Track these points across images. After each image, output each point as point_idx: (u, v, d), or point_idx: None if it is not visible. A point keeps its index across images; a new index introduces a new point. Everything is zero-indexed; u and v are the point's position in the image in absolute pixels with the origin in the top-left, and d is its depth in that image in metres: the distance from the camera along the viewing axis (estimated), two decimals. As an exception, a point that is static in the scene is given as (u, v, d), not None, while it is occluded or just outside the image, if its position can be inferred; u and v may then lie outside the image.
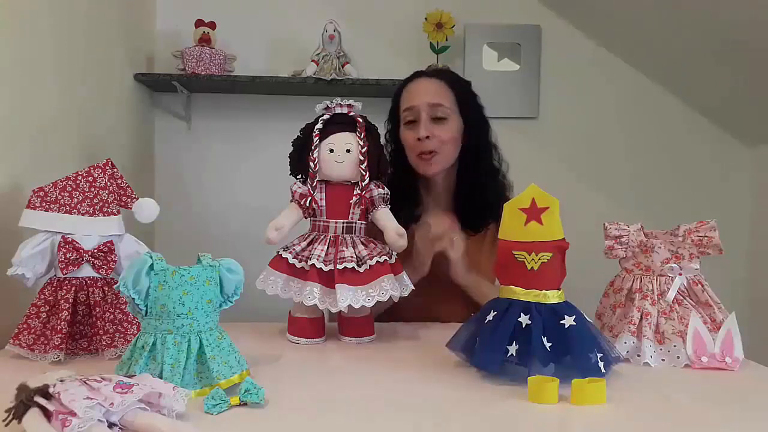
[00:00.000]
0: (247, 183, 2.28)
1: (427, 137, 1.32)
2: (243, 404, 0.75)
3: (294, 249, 1.10)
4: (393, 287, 1.07)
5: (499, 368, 0.87)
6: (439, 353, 1.00)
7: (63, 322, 0.94)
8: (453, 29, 2.16)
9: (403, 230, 1.12)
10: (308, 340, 1.12)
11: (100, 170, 1.03)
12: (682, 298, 1.04)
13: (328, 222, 1.12)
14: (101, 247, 1.00)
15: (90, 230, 1.00)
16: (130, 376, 0.69)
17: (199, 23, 2.07)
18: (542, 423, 0.73)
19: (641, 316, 1.02)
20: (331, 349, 1.10)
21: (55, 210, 0.99)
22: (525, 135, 2.30)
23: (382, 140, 1.38)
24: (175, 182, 2.28)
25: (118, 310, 0.99)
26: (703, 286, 1.05)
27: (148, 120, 2.22)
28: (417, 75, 1.42)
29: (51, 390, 0.63)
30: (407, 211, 1.33)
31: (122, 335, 0.98)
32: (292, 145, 1.16)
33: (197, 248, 0.94)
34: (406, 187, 1.39)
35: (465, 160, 1.40)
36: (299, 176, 1.15)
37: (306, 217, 1.14)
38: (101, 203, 1.02)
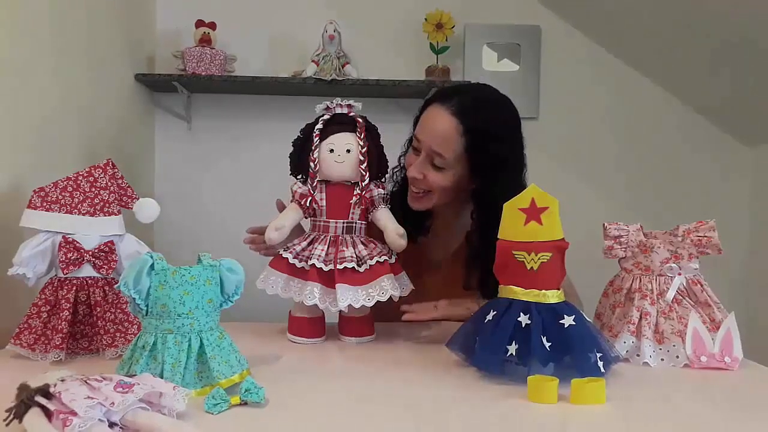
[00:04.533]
0: (247, 183, 2.28)
1: (416, 178, 1.20)
2: (243, 404, 0.75)
3: (294, 249, 1.10)
4: (393, 287, 1.07)
5: (499, 368, 0.87)
6: (439, 353, 1.00)
7: (64, 322, 0.95)
8: (453, 29, 2.16)
9: (403, 230, 1.12)
10: (308, 339, 1.12)
11: (101, 170, 1.04)
12: (681, 297, 1.04)
13: (329, 222, 1.12)
14: (102, 247, 1.00)
15: (90, 230, 1.01)
16: (130, 376, 0.69)
17: (200, 23, 2.07)
18: (542, 423, 0.73)
19: (640, 316, 1.02)
20: (331, 348, 1.10)
21: (56, 210, 0.99)
22: (525, 135, 2.30)
23: (403, 148, 1.33)
24: (175, 182, 2.28)
25: (119, 310, 1.00)
26: (702, 285, 1.05)
27: (148, 120, 2.22)
28: (443, 99, 1.20)
29: (52, 390, 0.63)
30: (417, 223, 1.25)
31: (123, 335, 0.98)
32: (292, 145, 1.16)
33: (197, 248, 0.94)
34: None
35: (477, 203, 1.22)
36: (299, 176, 1.15)
37: (306, 217, 1.14)
38: (102, 203, 1.02)
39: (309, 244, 1.11)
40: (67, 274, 0.98)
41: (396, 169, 1.34)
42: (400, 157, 1.34)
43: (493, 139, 1.16)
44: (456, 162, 1.17)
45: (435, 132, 1.17)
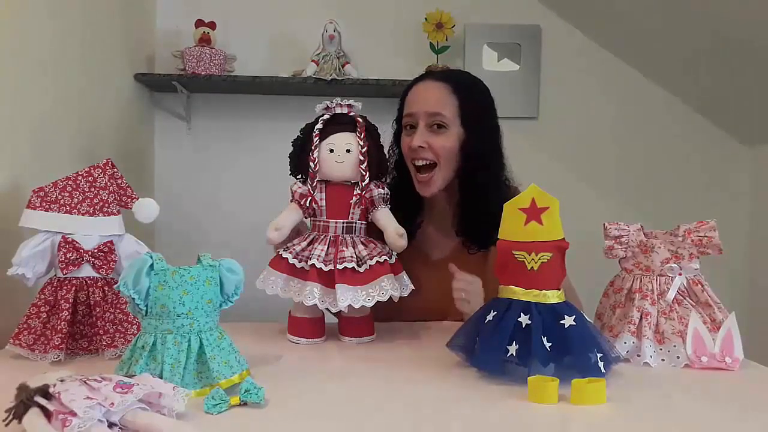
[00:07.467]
0: (247, 183, 2.28)
1: (421, 147, 1.24)
2: (243, 404, 0.75)
3: (294, 249, 1.10)
4: (393, 287, 1.07)
5: (499, 368, 0.87)
6: (439, 353, 1.00)
7: (63, 322, 0.95)
8: (453, 29, 2.16)
9: (403, 230, 1.12)
10: (308, 340, 1.12)
11: (101, 170, 1.04)
12: (681, 298, 1.04)
13: (328, 222, 1.12)
14: (101, 247, 1.00)
15: (90, 230, 1.00)
16: (130, 376, 0.69)
17: (199, 23, 2.07)
18: (542, 423, 0.73)
19: (641, 316, 1.02)
20: (331, 349, 1.10)
21: (56, 210, 0.99)
22: (525, 135, 2.30)
23: (390, 143, 1.35)
24: (175, 182, 2.28)
25: (119, 310, 0.99)
26: (702, 286, 1.05)
27: (148, 120, 2.22)
28: (424, 77, 1.34)
29: (51, 390, 0.63)
30: (408, 220, 1.23)
31: (122, 335, 0.98)
32: (292, 145, 1.16)
33: (197, 248, 0.94)
34: (409, 194, 1.31)
35: (467, 170, 1.29)
36: (299, 176, 1.15)
37: (306, 217, 1.14)
38: (101, 203, 1.02)
39: (309, 244, 1.11)
40: (66, 274, 0.98)
41: (390, 165, 1.33)
42: (389, 157, 1.31)
43: (480, 100, 1.31)
44: (454, 119, 1.25)
45: (428, 98, 1.26)
